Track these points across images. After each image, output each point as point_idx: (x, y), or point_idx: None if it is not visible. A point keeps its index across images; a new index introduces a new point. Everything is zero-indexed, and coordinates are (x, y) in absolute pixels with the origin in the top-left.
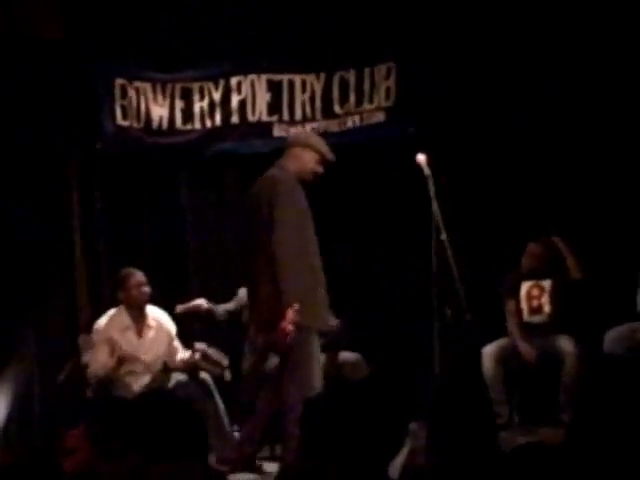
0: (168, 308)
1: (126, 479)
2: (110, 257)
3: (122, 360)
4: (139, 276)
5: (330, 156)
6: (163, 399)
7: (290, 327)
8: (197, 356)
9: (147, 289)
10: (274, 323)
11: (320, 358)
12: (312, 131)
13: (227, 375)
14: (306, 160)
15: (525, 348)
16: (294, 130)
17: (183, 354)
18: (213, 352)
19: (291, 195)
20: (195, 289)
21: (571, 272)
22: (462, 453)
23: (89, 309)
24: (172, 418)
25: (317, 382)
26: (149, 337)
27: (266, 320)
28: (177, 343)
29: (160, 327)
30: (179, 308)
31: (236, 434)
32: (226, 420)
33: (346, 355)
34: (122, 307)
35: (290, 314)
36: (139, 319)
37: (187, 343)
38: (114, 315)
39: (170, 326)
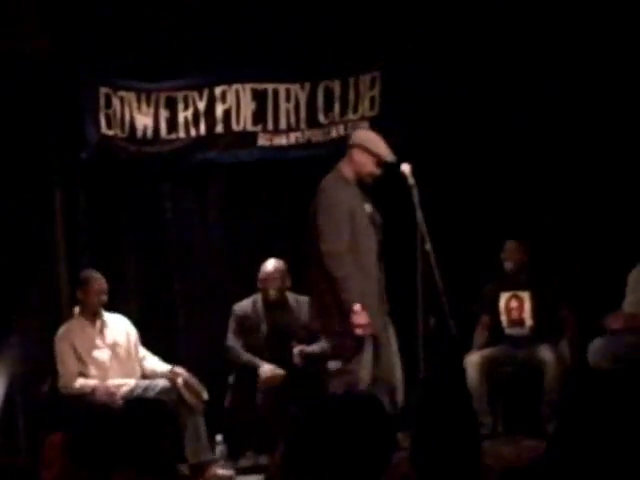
0: (149, 314)
1: None
2: (93, 264)
3: (95, 390)
4: (101, 283)
5: (388, 158)
6: (145, 410)
7: (360, 331)
8: (180, 381)
9: (105, 297)
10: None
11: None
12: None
13: (201, 408)
14: (363, 162)
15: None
16: (278, 140)
17: (161, 367)
18: (195, 382)
19: (332, 203)
20: (178, 297)
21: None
22: (446, 463)
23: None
24: (154, 431)
25: (367, 380)
26: (109, 334)
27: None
28: (143, 350)
29: (117, 326)
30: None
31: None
32: (204, 429)
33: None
34: (76, 313)
35: (356, 319)
36: (95, 318)
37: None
38: (70, 322)
39: (130, 327)
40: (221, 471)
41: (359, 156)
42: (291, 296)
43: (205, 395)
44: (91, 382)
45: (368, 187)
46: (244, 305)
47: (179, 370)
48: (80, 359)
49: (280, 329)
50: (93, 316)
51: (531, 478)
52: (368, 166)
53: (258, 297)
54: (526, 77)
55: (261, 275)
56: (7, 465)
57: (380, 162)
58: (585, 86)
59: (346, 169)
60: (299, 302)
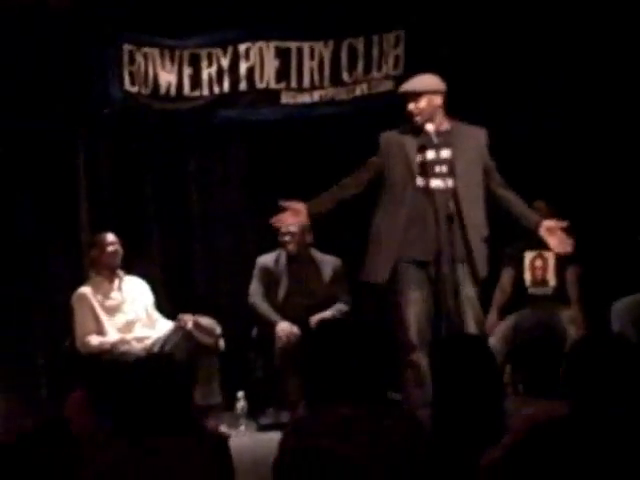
0: (171, 275)
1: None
2: (115, 224)
3: (114, 346)
4: (111, 236)
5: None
6: (159, 366)
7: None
8: (190, 325)
9: (119, 248)
10: None
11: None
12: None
13: (221, 344)
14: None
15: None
16: (301, 98)
17: (166, 323)
18: (205, 320)
19: (378, 152)
20: (198, 259)
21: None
22: (467, 421)
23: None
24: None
25: (414, 339)
26: (127, 290)
27: None
28: (157, 313)
29: (135, 286)
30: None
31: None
32: (217, 371)
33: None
34: (94, 275)
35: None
36: (113, 277)
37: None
38: (87, 283)
39: (147, 289)
40: (223, 427)
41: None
42: (317, 254)
43: (218, 330)
44: (110, 339)
45: (443, 134)
46: (267, 258)
47: (185, 316)
48: (98, 318)
49: (301, 285)
50: (110, 275)
51: (556, 434)
52: (406, 110)
53: (282, 252)
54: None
55: (282, 229)
56: (37, 424)
57: (403, 98)
58: (586, 84)
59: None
60: (322, 260)
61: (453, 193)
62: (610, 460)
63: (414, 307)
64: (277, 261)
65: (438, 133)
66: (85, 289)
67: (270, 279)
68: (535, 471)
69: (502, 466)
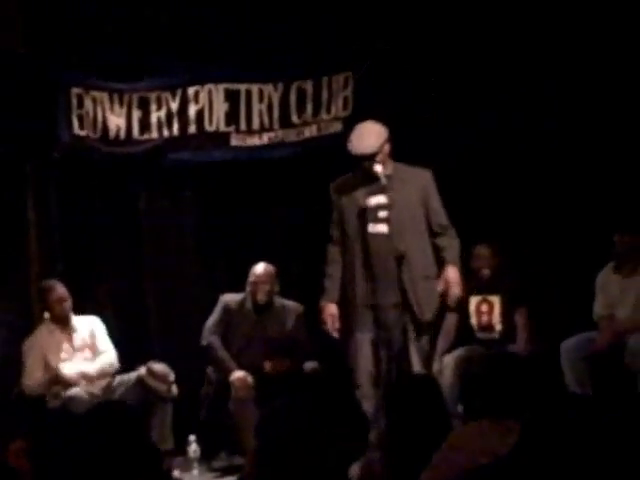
0: (120, 310)
1: None
2: (65, 267)
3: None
4: (60, 291)
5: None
6: (111, 416)
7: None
8: (142, 371)
9: (68, 303)
10: None
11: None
12: (271, 140)
13: (173, 390)
14: None
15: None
16: (251, 140)
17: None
18: (158, 367)
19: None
20: (150, 292)
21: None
22: (418, 462)
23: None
24: (123, 439)
25: (361, 379)
26: (77, 338)
27: None
28: (108, 345)
29: (85, 329)
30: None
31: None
32: (169, 418)
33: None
34: (47, 318)
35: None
36: (66, 328)
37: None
38: (39, 328)
39: (97, 325)
40: (176, 472)
41: None
42: (278, 300)
43: (171, 376)
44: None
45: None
46: (233, 298)
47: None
48: (49, 366)
49: (262, 333)
50: (62, 323)
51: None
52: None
53: (249, 297)
54: (501, 83)
55: (251, 278)
56: None
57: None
58: (583, 87)
59: None
60: (285, 308)
61: (390, 238)
62: None
63: (363, 349)
64: (242, 305)
65: (385, 177)
66: (37, 336)
67: (230, 320)
68: None
69: None
